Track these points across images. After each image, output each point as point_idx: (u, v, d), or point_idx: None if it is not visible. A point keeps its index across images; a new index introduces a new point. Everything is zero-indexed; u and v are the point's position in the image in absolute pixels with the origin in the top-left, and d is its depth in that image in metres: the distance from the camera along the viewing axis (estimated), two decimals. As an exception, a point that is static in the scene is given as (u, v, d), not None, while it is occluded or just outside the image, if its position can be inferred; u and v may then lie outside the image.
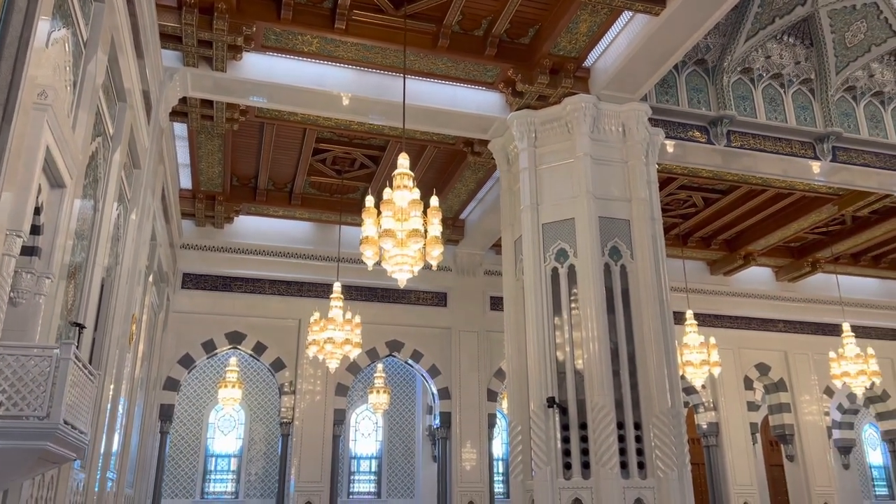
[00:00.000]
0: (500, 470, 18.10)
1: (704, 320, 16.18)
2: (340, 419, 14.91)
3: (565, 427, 8.82)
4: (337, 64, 10.00)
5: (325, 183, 14.28)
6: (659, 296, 9.51)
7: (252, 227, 15.19)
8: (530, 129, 10.15)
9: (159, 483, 13.87)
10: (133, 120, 7.55)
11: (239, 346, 14.89)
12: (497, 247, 14.98)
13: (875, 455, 21.83)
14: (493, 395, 15.68)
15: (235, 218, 15.01)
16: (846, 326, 15.57)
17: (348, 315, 12.40)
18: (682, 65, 11.06)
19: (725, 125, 11.27)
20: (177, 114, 10.82)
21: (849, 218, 15.82)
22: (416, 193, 7.23)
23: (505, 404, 14.76)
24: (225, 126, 11.22)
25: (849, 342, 15.28)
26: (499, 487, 17.66)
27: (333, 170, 13.75)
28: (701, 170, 12.58)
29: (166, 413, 14.16)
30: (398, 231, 7.01)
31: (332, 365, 12.30)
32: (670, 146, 11.20)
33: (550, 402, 8.87)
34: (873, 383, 15.28)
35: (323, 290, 14.64)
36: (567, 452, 8.73)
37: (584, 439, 8.71)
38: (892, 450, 18.90)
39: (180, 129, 11.97)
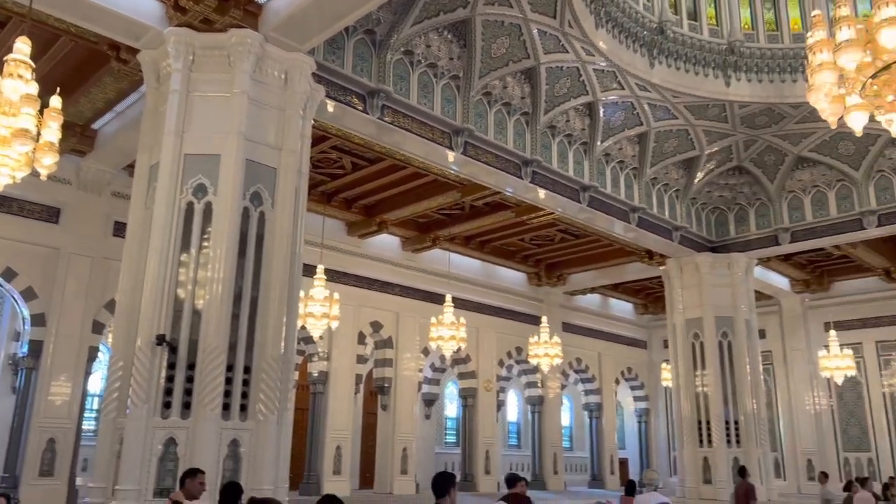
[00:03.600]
0: (97, 407, 16.76)
1: (333, 276, 17.01)
2: None
3: (172, 366, 8.52)
4: None
5: (-87, 46, 11.38)
6: (292, 247, 9.69)
7: None
8: (188, 51, 9.43)
9: None
10: None
11: None
12: (132, 168, 13.68)
13: (451, 408, 25.63)
14: (99, 328, 14.36)
15: None
16: (448, 297, 17.88)
17: (-80, 214, 10.15)
18: (352, 30, 11.38)
19: (382, 99, 11.96)
20: None
21: (468, 205, 18.09)
22: (34, 88, 6.21)
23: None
24: None
25: (448, 311, 17.59)
26: (91, 425, 16.36)
27: (-73, 33, 11.02)
28: (354, 135, 13.14)
29: None
30: (2, 127, 5.95)
31: None
32: (330, 106, 11.47)
33: (160, 339, 8.47)
34: (460, 348, 17.88)
35: None
36: (170, 392, 8.46)
37: (190, 380, 8.52)
38: (464, 404, 22.37)
39: None
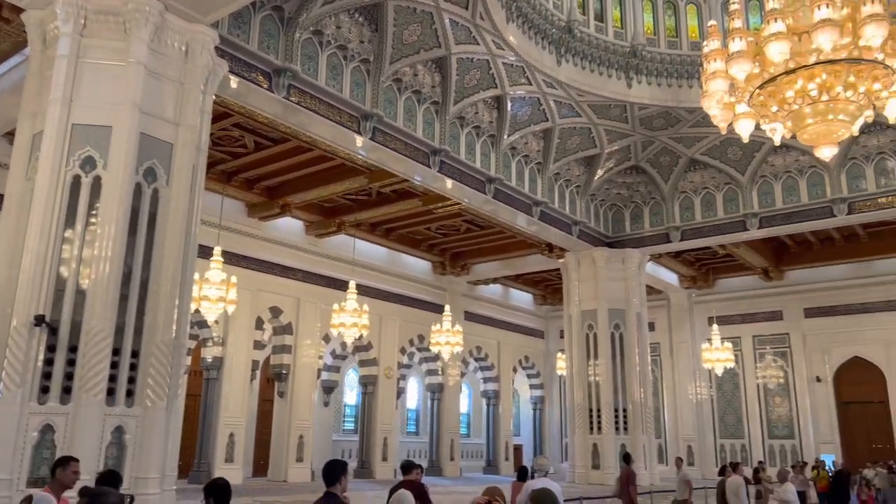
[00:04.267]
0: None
1: (232, 259, 16.55)
2: None
3: (52, 349, 8.00)
4: None
5: None
6: (188, 227, 9.31)
7: None
8: (79, 14, 8.81)
9: None
10: None
11: None
12: (12, 135, 12.69)
13: (351, 395, 25.48)
14: (-30, 306, 13.30)
15: None
16: (352, 284, 17.73)
17: None
18: (259, 5, 11.02)
19: (288, 78, 11.65)
20: None
21: (374, 192, 17.97)
22: None
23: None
24: None
25: (351, 298, 17.45)
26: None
27: None
28: (258, 114, 12.75)
29: None
30: None
31: None
32: (234, 82, 11.09)
33: (39, 320, 7.93)
34: (362, 335, 17.78)
35: None
36: (48, 376, 7.94)
37: (72, 363, 8.04)
38: (364, 392, 22.30)
39: None
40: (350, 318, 17.23)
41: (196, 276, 11.61)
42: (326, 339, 20.31)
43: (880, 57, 6.59)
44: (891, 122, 7.51)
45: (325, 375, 22.65)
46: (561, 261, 21.19)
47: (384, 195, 18.16)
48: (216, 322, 16.05)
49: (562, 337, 22.87)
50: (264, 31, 11.30)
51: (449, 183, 15.67)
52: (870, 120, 7.34)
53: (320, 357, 20.63)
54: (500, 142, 16.59)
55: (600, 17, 16.37)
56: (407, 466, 6.95)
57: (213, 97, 10.25)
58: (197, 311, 13.33)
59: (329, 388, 23.74)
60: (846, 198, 17.49)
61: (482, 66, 14.86)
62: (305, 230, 19.74)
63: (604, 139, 18.07)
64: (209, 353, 17.63)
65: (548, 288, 28.24)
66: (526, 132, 17.09)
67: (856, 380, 23.05)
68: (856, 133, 7.36)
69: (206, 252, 13.89)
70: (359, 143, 13.55)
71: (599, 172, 19.28)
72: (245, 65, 11.14)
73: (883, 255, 22.07)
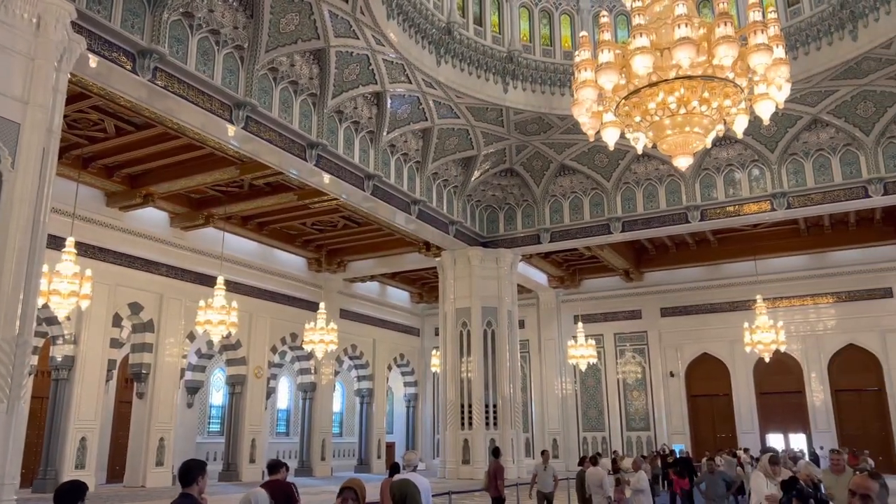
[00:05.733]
0: None
1: (87, 251, 15.44)
2: None
3: None
4: None
5: None
6: (36, 215, 8.56)
7: None
8: None
9: None
10: None
11: None
12: None
13: (217, 396, 24.46)
14: None
15: None
16: (220, 280, 16.96)
17: None
18: (124, -20, 10.31)
19: (154, 60, 10.99)
20: None
21: (247, 184, 17.32)
22: None
23: None
24: None
25: (219, 294, 16.69)
26: None
27: None
28: (120, 97, 11.91)
29: None
30: None
31: None
32: (93, 61, 10.32)
33: None
34: (230, 333, 17.07)
35: None
36: None
37: None
38: (231, 392, 21.47)
39: None
40: (217, 315, 16.48)
41: (45, 268, 10.73)
42: (191, 337, 19.36)
43: (731, 76, 7.12)
44: (738, 136, 8.15)
45: (189, 375, 21.61)
46: (437, 259, 21.42)
47: (257, 188, 17.55)
48: (68, 318, 14.89)
49: (437, 334, 23.13)
50: (128, 10, 10.59)
51: (326, 178, 15.39)
52: (721, 134, 7.92)
53: (184, 356, 19.65)
54: (380, 138, 16.50)
55: (479, 21, 16.67)
56: (273, 466, 6.79)
57: (69, 76, 9.48)
58: (45, 306, 12.28)
59: (193, 389, 22.69)
60: (699, 205, 18.88)
61: (362, 61, 14.71)
62: (170, 222, 18.73)
63: (480, 141, 18.43)
64: (59, 352, 16.32)
65: (424, 286, 28.46)
66: (405, 130, 17.10)
67: (704, 375, 24.93)
68: (709, 145, 7.92)
69: (57, 243, 12.89)
70: (230, 133, 13.02)
71: (476, 174, 19.65)
72: (106, 43, 10.38)
73: (729, 259, 24.05)
